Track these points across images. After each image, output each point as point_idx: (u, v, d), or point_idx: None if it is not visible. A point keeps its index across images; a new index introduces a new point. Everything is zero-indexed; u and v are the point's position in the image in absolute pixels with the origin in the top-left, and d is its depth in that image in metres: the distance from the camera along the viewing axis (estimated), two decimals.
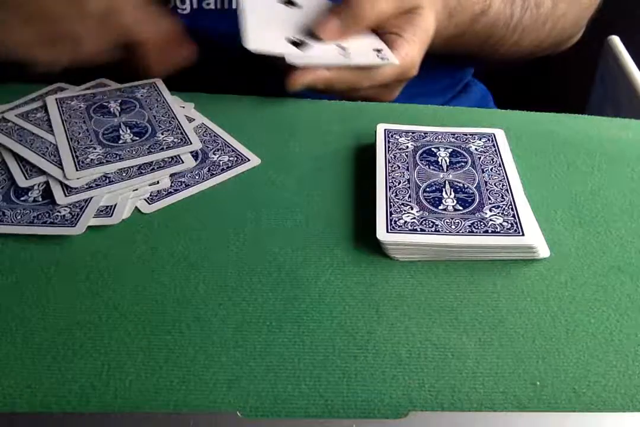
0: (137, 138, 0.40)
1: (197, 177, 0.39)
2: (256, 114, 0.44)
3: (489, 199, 0.35)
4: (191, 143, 0.40)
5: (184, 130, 0.41)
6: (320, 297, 0.32)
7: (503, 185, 0.36)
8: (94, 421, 0.26)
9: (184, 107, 0.44)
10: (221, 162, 0.40)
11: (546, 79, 0.64)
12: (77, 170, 0.37)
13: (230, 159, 0.40)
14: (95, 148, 0.39)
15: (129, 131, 0.40)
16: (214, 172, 0.39)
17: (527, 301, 0.32)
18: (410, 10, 0.45)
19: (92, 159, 0.38)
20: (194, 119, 0.43)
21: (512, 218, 0.34)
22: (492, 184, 0.36)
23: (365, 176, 0.39)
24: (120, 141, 0.40)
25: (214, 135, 0.42)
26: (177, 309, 0.31)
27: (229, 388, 0.28)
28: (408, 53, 0.44)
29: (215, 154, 0.40)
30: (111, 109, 0.43)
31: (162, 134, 0.40)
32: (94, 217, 0.35)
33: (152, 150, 0.39)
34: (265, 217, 0.36)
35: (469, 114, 0.46)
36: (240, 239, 0.35)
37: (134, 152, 0.39)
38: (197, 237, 0.35)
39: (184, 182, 0.38)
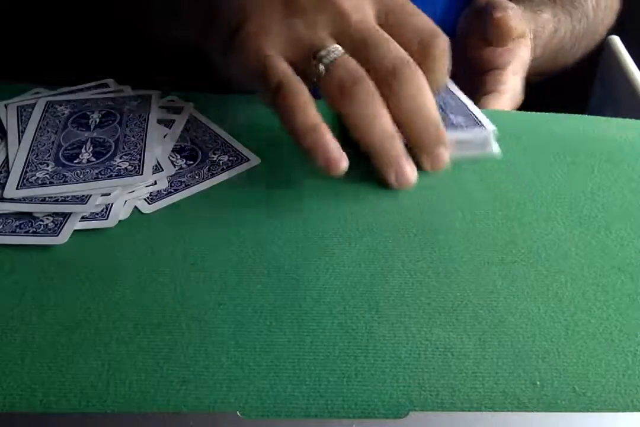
0: (94, 160, 0.38)
1: (197, 177, 0.39)
2: (256, 114, 0.44)
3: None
4: (141, 174, 0.37)
5: (143, 156, 0.38)
6: (320, 297, 0.32)
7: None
8: (94, 421, 0.26)
9: (169, 126, 0.41)
10: (221, 162, 0.40)
11: (546, 79, 0.64)
12: (17, 188, 0.36)
13: (230, 158, 0.40)
14: (48, 165, 0.37)
15: (91, 150, 0.38)
16: (214, 172, 0.39)
17: (527, 301, 0.32)
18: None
19: (38, 178, 0.36)
20: (163, 141, 0.40)
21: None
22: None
23: (366, 176, 0.39)
24: (76, 160, 0.38)
25: (214, 135, 0.42)
26: (177, 309, 0.31)
27: (229, 388, 0.28)
28: (515, 85, 0.46)
29: (215, 154, 0.40)
30: (90, 121, 0.41)
31: (121, 158, 0.38)
32: (89, 220, 0.35)
33: (100, 176, 0.37)
34: (265, 217, 0.36)
35: None
36: (240, 239, 0.35)
37: (82, 175, 0.36)
38: (197, 237, 0.35)
39: (183, 182, 0.38)
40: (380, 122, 0.36)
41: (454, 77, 0.43)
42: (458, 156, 0.40)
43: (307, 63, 0.36)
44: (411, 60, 0.36)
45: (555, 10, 0.54)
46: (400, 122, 0.37)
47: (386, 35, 0.37)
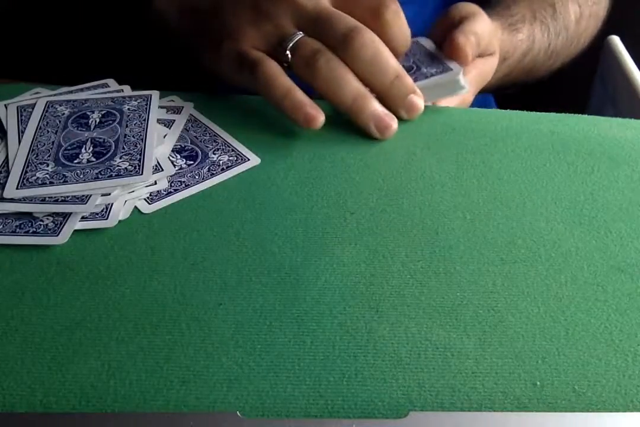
0: (94, 160, 0.38)
1: (197, 177, 0.39)
2: (256, 114, 0.44)
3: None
4: (141, 174, 0.37)
5: (143, 156, 0.38)
6: (320, 297, 0.32)
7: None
8: (94, 421, 0.26)
9: (169, 126, 0.41)
10: (221, 162, 0.40)
11: (546, 79, 0.65)
12: (17, 188, 0.36)
13: (230, 158, 0.40)
14: (48, 165, 0.37)
15: (91, 149, 0.38)
16: (214, 172, 0.39)
17: (527, 301, 0.32)
18: (483, 54, 0.47)
19: (38, 178, 0.36)
20: (163, 143, 0.40)
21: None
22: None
23: (366, 176, 0.39)
24: (76, 160, 0.37)
25: (214, 135, 0.42)
26: (177, 309, 0.31)
27: (229, 388, 0.28)
28: (467, 94, 0.47)
29: (215, 154, 0.40)
30: (90, 121, 0.41)
31: (121, 158, 0.38)
32: (89, 220, 0.35)
33: (100, 176, 0.37)
34: (265, 217, 0.36)
35: (469, 114, 0.46)
36: (240, 239, 0.35)
37: (82, 175, 0.36)
38: (197, 237, 0.35)
39: (183, 182, 0.38)
40: (348, 84, 0.40)
41: None
42: (434, 100, 0.45)
43: (280, 54, 0.41)
44: (361, 26, 0.40)
45: (532, 27, 0.54)
46: (364, 80, 0.40)
47: (338, 11, 0.41)
